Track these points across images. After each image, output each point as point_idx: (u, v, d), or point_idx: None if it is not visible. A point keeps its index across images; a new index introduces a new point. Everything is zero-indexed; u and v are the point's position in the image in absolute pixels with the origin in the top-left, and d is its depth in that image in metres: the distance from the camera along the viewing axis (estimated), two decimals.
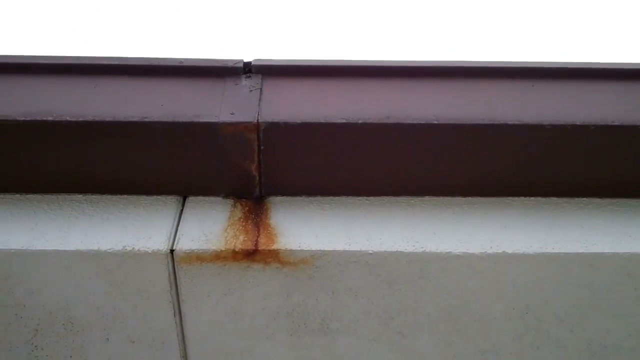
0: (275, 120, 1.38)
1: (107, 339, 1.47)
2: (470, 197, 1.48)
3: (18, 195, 1.47)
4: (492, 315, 1.44)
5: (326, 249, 1.36)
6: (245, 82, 1.48)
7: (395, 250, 1.36)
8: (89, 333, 1.46)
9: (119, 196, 1.48)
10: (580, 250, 1.36)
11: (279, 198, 1.48)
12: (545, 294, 1.41)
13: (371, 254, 1.36)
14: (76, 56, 1.51)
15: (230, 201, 1.48)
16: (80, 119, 1.37)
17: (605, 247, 1.37)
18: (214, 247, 1.36)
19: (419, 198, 1.48)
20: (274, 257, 1.36)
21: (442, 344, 1.48)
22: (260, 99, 1.43)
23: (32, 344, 1.47)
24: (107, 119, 1.37)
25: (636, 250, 1.37)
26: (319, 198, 1.48)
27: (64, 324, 1.44)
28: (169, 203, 1.47)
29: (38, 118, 1.37)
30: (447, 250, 1.36)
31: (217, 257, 1.36)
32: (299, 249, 1.36)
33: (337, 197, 1.48)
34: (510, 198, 1.49)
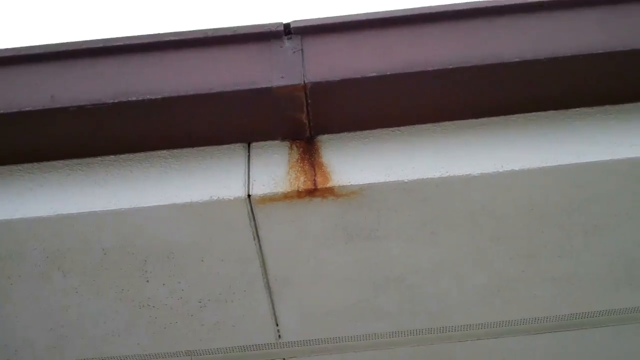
0: (318, 80, 1.67)
1: (202, 260, 1.86)
2: (482, 118, 1.80)
3: (112, 157, 1.80)
4: (505, 213, 1.80)
5: (371, 182, 1.71)
6: (287, 43, 1.74)
7: (426, 177, 1.70)
8: (187, 257, 1.84)
9: (197, 149, 1.80)
10: (574, 161, 1.70)
11: (325, 136, 1.80)
12: (546, 194, 1.77)
13: (406, 182, 1.71)
14: (144, 35, 1.77)
15: (287, 143, 1.80)
16: (158, 97, 1.67)
17: (594, 156, 1.71)
18: (281, 190, 1.71)
19: (440, 124, 1.80)
20: (330, 192, 1.71)
21: (465, 237, 1.86)
22: (302, 59, 1.71)
23: (142, 269, 1.86)
24: (181, 94, 1.67)
25: (620, 157, 1.70)
26: (358, 133, 1.80)
27: (167, 255, 1.83)
28: (237, 150, 1.79)
29: (123, 99, 1.67)
30: (467, 173, 1.70)
31: (285, 197, 1.71)
32: (349, 184, 1.71)
33: (374, 130, 1.80)
34: (515, 115, 1.80)
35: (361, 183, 1.71)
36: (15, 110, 1.68)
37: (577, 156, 1.71)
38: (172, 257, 1.83)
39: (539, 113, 1.79)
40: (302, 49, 1.73)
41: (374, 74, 1.67)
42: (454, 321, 2.07)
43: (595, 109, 1.79)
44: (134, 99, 1.67)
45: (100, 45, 1.76)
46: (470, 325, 2.09)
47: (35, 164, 1.80)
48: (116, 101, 1.67)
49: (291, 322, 2.01)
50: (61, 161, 1.80)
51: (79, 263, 1.81)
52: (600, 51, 1.67)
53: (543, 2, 1.75)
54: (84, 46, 1.76)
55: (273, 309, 1.96)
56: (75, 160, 1.80)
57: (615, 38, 1.70)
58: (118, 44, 1.76)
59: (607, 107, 1.79)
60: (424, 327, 2.07)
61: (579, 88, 1.74)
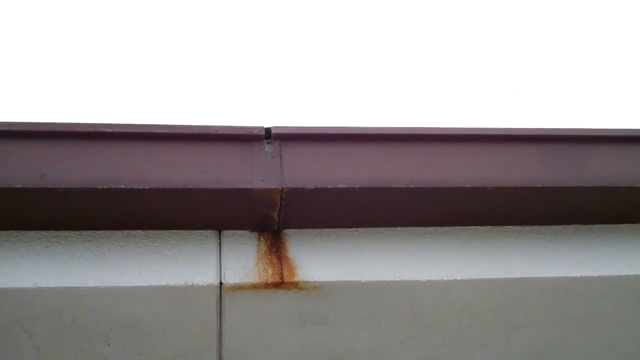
0: (294, 187, 1.85)
1: (164, 332, 1.99)
2: (430, 227, 2.04)
3: (90, 232, 1.91)
4: (441, 310, 2.05)
5: (332, 280, 1.91)
6: (267, 147, 1.91)
7: (381, 279, 1.92)
8: (150, 328, 1.98)
9: (169, 231, 1.94)
10: (505, 276, 1.97)
11: (291, 230, 1.99)
12: (479, 299, 2.02)
13: (363, 282, 1.92)
14: (135, 124, 1.88)
15: (255, 234, 1.97)
16: (147, 187, 1.80)
17: (522, 272, 1.98)
18: (251, 281, 1.88)
19: (393, 229, 2.02)
20: (294, 285, 1.90)
21: (404, 326, 2.09)
22: (281, 164, 1.88)
23: (106, 336, 1.98)
24: (167, 187, 1.81)
25: (549, 275, 1.99)
26: (320, 230, 2.00)
27: (132, 325, 1.95)
28: (209, 237, 1.95)
29: (112, 186, 1.79)
30: (417, 279, 1.93)
31: (254, 287, 1.88)
32: (312, 280, 1.90)
33: (334, 229, 2.00)
34: (458, 227, 2.05)
35: (323, 280, 1.90)
36: (4, 186, 1.76)
37: (508, 271, 1.98)
38: (137, 327, 1.96)
39: (477, 227, 2.05)
40: (280, 155, 1.90)
41: (344, 186, 1.87)
42: None
43: (527, 227, 2.06)
44: (122, 187, 1.79)
45: (91, 129, 1.86)
46: None
47: (14, 232, 1.89)
48: (105, 187, 1.78)
49: None
50: (39, 232, 1.89)
51: (46, 327, 1.91)
52: (539, 185, 1.94)
53: (493, 135, 2.00)
54: (77, 129, 1.85)
55: None
56: (52, 232, 1.90)
57: (551, 174, 1.97)
58: (109, 130, 1.86)
59: (537, 227, 2.07)
60: None
61: (516, 210, 2.01)
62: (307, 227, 2.00)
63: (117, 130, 1.87)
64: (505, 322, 2.11)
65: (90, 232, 1.92)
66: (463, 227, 2.05)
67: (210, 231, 1.96)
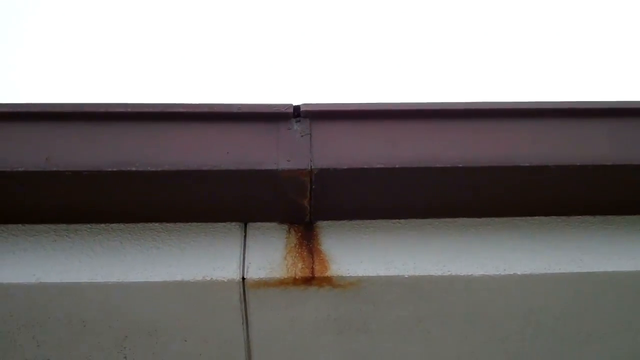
0: (325, 167, 1.63)
1: (185, 340, 1.77)
2: (485, 218, 1.77)
3: (103, 225, 1.73)
4: (501, 317, 1.76)
5: (370, 275, 1.66)
6: (296, 126, 1.71)
7: (427, 274, 1.66)
8: (169, 336, 1.76)
9: (190, 224, 1.74)
10: (576, 270, 1.68)
11: (325, 222, 1.76)
12: (544, 300, 1.73)
13: (407, 277, 1.66)
14: (150, 103, 1.71)
15: (284, 226, 1.75)
16: (160, 169, 1.61)
17: (594, 266, 1.69)
18: (277, 276, 1.65)
19: (442, 220, 1.77)
20: (327, 282, 1.66)
21: (459, 337, 1.81)
22: (311, 144, 1.67)
23: (122, 346, 1.77)
24: (182, 168, 1.62)
25: (621, 269, 1.69)
26: (358, 222, 1.76)
27: (149, 332, 1.74)
28: (233, 230, 1.74)
29: (123, 169, 1.61)
30: (469, 273, 1.66)
31: (281, 283, 1.65)
32: (347, 275, 1.65)
33: (374, 221, 1.76)
34: (518, 218, 1.78)
35: (360, 275, 1.66)
36: (7, 169, 1.61)
37: (578, 265, 1.69)
38: (154, 334, 1.74)
39: (541, 218, 1.77)
40: (310, 134, 1.69)
41: (381, 166, 1.64)
42: None
43: (598, 217, 1.78)
44: (134, 169, 1.61)
45: (102, 109, 1.70)
46: None
47: (20, 225, 1.72)
48: (115, 170, 1.61)
49: None
50: (48, 225, 1.72)
51: (56, 334, 1.72)
52: (608, 163, 1.66)
53: (557, 109, 1.75)
54: (85, 109, 1.70)
55: None
56: (62, 226, 1.73)
57: (623, 151, 1.70)
58: (121, 110, 1.70)
59: (609, 217, 1.78)
60: None
61: (583, 197, 1.73)
62: (343, 219, 1.76)
63: (129, 110, 1.70)
64: (579, 329, 1.80)
65: (103, 225, 1.73)
66: (522, 218, 1.78)
67: (234, 224, 1.75)
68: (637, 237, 1.75)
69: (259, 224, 1.75)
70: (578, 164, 1.66)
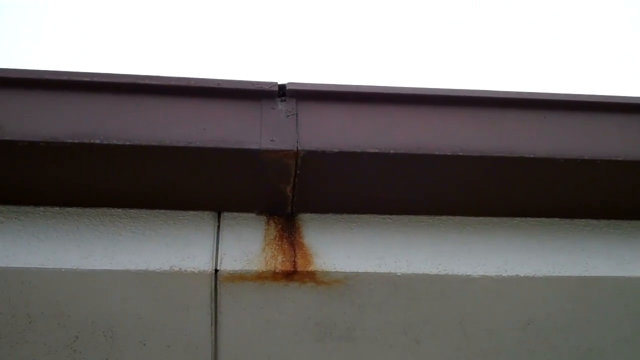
0: (313, 149, 1.47)
1: (144, 344, 1.56)
2: (485, 217, 1.62)
3: (57, 208, 1.53)
4: (498, 326, 1.60)
5: (358, 271, 1.48)
6: (281, 106, 1.55)
7: (421, 272, 1.49)
8: (127, 338, 1.55)
9: (157, 211, 1.55)
10: (582, 274, 1.53)
11: (308, 215, 1.59)
12: (546, 308, 1.58)
13: (398, 275, 1.49)
14: (119, 74, 1.54)
15: (263, 218, 1.57)
16: (127, 143, 1.43)
17: (601, 270, 1.54)
18: (255, 268, 1.46)
19: (438, 217, 1.61)
20: (310, 277, 1.48)
21: (450, 349, 1.64)
22: (297, 125, 1.51)
23: (72, 348, 1.55)
24: (152, 143, 1.43)
25: (629, 274, 1.55)
26: (345, 216, 1.59)
27: (104, 332, 1.53)
28: (205, 219, 1.55)
29: (85, 140, 1.42)
30: (467, 273, 1.50)
31: (258, 277, 1.47)
32: (333, 270, 1.48)
33: (362, 215, 1.60)
34: (518, 218, 1.63)
35: (347, 271, 1.48)
36: None
37: (584, 268, 1.54)
38: (110, 335, 1.53)
39: (545, 219, 1.63)
40: (296, 114, 1.53)
41: (375, 150, 1.48)
42: None
43: (605, 221, 1.64)
44: (97, 142, 1.42)
45: (65, 77, 1.52)
46: None
47: None
48: (76, 141, 1.42)
49: None
50: None
51: None
52: (621, 158, 1.54)
53: (564, 101, 1.62)
54: (46, 76, 1.51)
55: None
56: (11, 207, 1.52)
57: (633, 148, 1.58)
58: (86, 79, 1.52)
59: (617, 221, 1.64)
60: None
61: (590, 196, 1.60)
62: (328, 212, 1.59)
63: (95, 79, 1.52)
64: (579, 344, 1.65)
65: (57, 208, 1.53)
66: (524, 218, 1.63)
67: (207, 212, 1.56)
68: None
69: (234, 214, 1.57)
70: (586, 157, 1.53)
